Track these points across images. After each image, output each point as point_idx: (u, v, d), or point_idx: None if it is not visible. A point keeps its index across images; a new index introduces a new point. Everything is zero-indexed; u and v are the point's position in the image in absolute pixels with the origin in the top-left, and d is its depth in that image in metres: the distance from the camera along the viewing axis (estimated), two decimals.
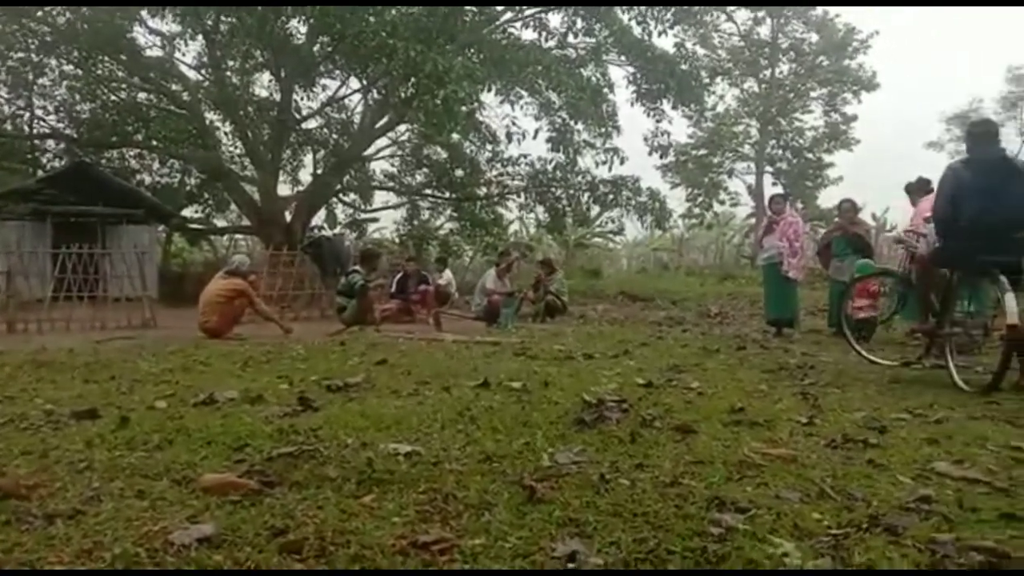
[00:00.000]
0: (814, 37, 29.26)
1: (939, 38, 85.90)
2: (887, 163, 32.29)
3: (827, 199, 28.82)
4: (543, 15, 18.95)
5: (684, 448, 3.35)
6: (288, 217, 19.89)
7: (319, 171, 21.00)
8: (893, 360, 6.21)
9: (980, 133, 5.33)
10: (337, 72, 19.63)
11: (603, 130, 19.57)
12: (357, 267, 10.97)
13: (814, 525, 2.37)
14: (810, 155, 30.08)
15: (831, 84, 29.36)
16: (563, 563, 2.05)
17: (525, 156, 20.68)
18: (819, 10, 28.67)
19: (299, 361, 6.30)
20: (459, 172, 21.80)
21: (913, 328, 6.26)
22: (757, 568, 2.04)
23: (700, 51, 26.79)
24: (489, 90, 17.27)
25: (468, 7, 16.77)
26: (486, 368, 5.71)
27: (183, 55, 20.05)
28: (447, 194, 22.59)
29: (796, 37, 29.67)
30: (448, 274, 14.54)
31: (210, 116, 20.20)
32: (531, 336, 8.64)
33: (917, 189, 7.87)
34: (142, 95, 20.58)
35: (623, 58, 19.42)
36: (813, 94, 30.21)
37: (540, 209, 22.23)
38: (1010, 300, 4.74)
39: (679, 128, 26.29)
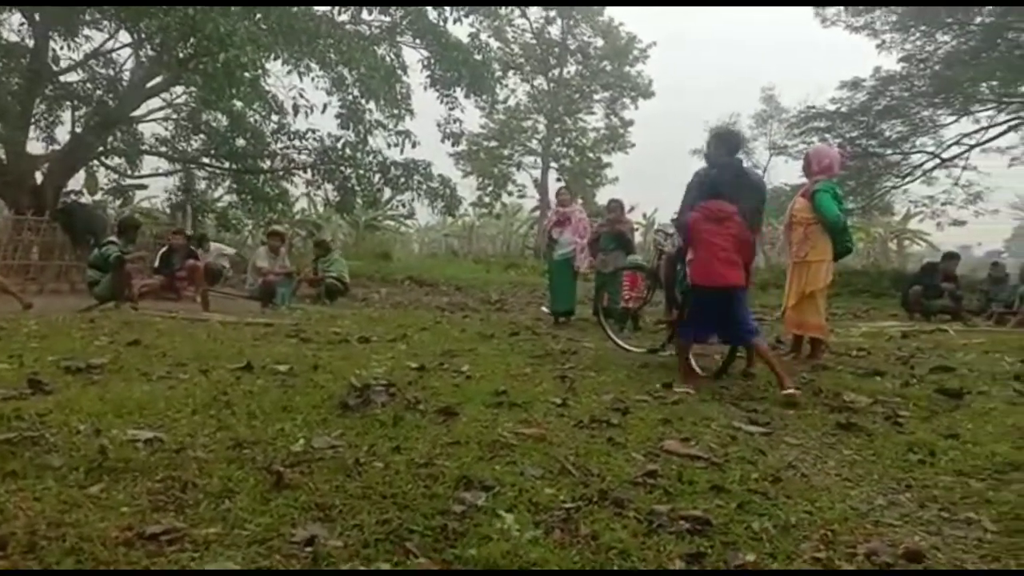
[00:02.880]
0: (600, 42, 31.04)
1: (706, 55, 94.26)
2: (658, 166, 35.03)
3: (605, 197, 30.75)
4: None
5: (444, 430, 3.43)
6: (39, 179, 17.73)
7: (79, 130, 18.86)
8: (643, 348, 6.75)
9: (725, 141, 5.91)
10: (105, 23, 17.74)
11: (396, 112, 19.35)
12: (113, 238, 10.03)
13: (549, 500, 2.54)
14: (591, 154, 31.93)
15: (613, 88, 31.32)
16: (301, 548, 2.03)
17: (314, 131, 19.91)
18: (606, 16, 30.47)
19: (35, 339, 5.66)
20: (241, 142, 20.55)
21: (660, 319, 6.85)
22: (493, 543, 2.15)
23: (494, 43, 27.40)
24: (276, 58, 16.49)
25: None
26: (252, 351, 5.48)
27: None
28: (226, 164, 21.22)
29: (584, 40, 31.31)
30: (219, 247, 13.72)
31: None
32: (307, 318, 8.41)
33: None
34: None
35: (418, 41, 19.34)
36: (596, 97, 32.05)
37: (329, 187, 21.57)
38: None
39: (472, 118, 26.76)
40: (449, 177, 21.02)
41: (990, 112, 16.67)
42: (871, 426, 4.00)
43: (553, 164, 32.31)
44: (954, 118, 16.73)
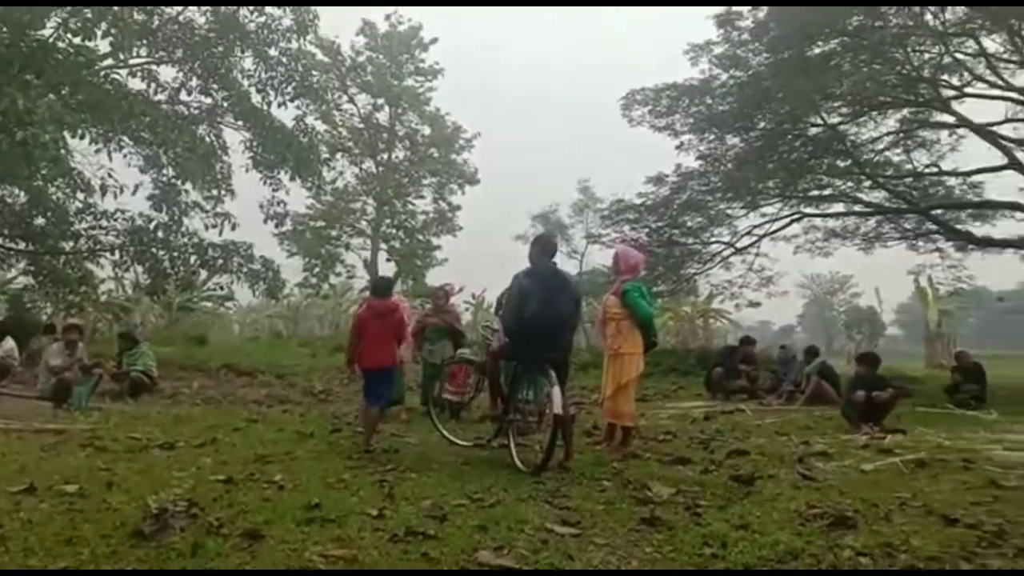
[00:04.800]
0: (427, 130, 31.88)
1: (530, 143, 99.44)
2: (485, 250, 35.97)
3: (434, 278, 31.05)
4: (153, 66, 17.72)
5: (248, 557, 3.28)
6: None
7: None
8: (468, 441, 6.81)
9: (542, 246, 6.25)
10: None
11: (215, 192, 18.70)
12: None
13: None
14: (421, 237, 32.31)
15: (440, 174, 32.12)
16: None
17: (124, 211, 18.74)
18: (432, 107, 31.45)
19: None
20: (40, 220, 18.94)
21: (485, 413, 6.97)
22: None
23: (321, 126, 27.38)
24: (83, 137, 15.51)
25: None
26: (38, 467, 4.99)
27: None
28: (22, 244, 19.39)
29: (411, 127, 32.02)
30: (8, 343, 12.42)
31: None
32: (107, 420, 7.77)
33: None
34: None
35: (240, 123, 18.94)
36: (425, 181, 32.66)
37: (139, 269, 20.24)
38: (556, 393, 5.58)
39: (298, 197, 26.30)
40: (272, 259, 20.36)
41: (776, 206, 18.63)
42: (673, 518, 4.25)
43: (383, 245, 32.34)
44: (745, 211, 18.57)
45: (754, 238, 19.07)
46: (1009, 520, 4.25)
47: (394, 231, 32.54)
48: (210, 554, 3.26)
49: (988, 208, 17.06)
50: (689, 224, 19.05)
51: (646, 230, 19.20)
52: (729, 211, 18.79)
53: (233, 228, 18.70)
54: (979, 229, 17.29)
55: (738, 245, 19.26)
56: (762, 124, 17.17)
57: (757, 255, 19.50)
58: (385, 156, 32.29)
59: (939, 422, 9.23)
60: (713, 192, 18.30)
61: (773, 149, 17.22)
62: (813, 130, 17.01)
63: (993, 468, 5.95)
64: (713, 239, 19.42)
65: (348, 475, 5.21)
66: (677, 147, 18.59)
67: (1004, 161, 15.41)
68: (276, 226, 22.03)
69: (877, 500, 4.73)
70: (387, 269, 31.66)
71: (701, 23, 17.48)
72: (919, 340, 38.14)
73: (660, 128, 18.62)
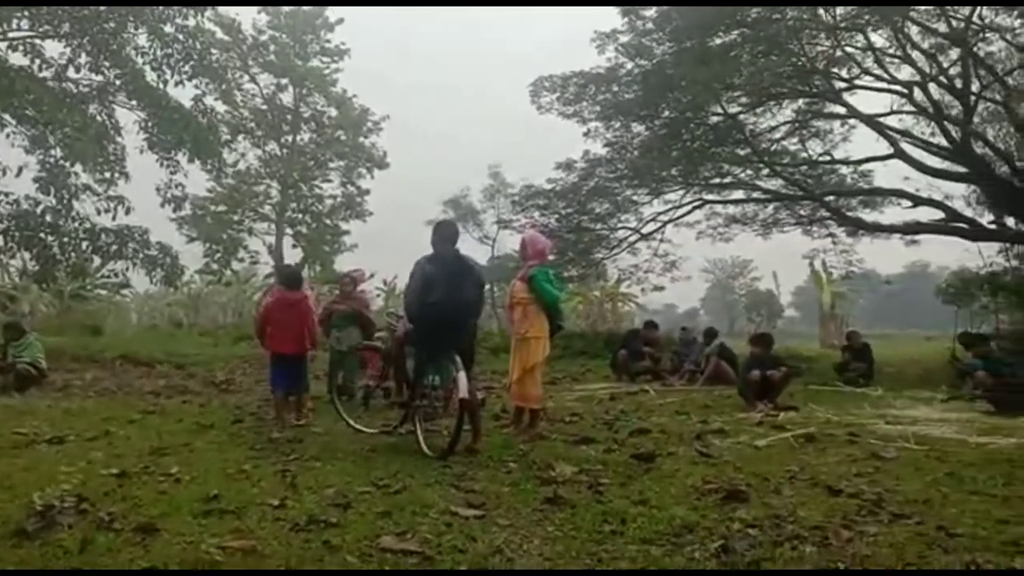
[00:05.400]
0: (333, 112, 31.06)
1: (442, 127, 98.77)
2: (396, 234, 35.64)
3: (343, 264, 30.46)
4: (37, 41, 16.65)
5: (141, 551, 3.17)
6: None
7: None
8: (375, 428, 6.76)
9: (442, 232, 6.23)
10: None
11: (108, 175, 17.76)
12: None
13: None
14: (328, 221, 31.56)
15: (348, 158, 31.41)
16: None
17: (7, 194, 17.61)
18: (339, 87, 30.66)
19: None
20: None
21: (393, 400, 6.93)
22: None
23: (222, 107, 26.38)
24: None
25: None
26: None
27: None
28: None
29: (317, 109, 31.10)
30: None
31: None
32: None
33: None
34: None
35: (134, 102, 18.04)
36: (332, 165, 31.82)
37: (27, 255, 19.05)
38: (462, 377, 5.60)
39: (198, 180, 25.25)
40: (170, 245, 19.52)
41: (679, 193, 19.18)
42: (575, 496, 4.35)
43: (288, 230, 31.47)
44: (650, 198, 19.05)
45: (659, 224, 19.60)
46: (887, 489, 4.54)
47: (300, 215, 31.67)
48: (100, 550, 3.14)
49: (876, 195, 18.06)
50: (597, 210, 19.39)
51: (555, 216, 19.43)
52: (635, 197, 19.22)
53: (128, 212, 17.86)
54: (868, 215, 18.31)
55: (644, 231, 19.75)
56: (666, 113, 17.59)
57: (662, 241, 20.06)
58: (290, 138, 31.37)
59: (829, 399, 9.77)
60: (620, 179, 18.67)
61: (676, 137, 17.69)
62: (714, 119, 17.54)
63: (875, 441, 6.33)
64: (620, 225, 19.84)
65: (249, 466, 5.09)
66: (585, 134, 18.86)
67: (891, 151, 16.32)
68: (174, 210, 21.11)
69: (768, 474, 4.97)
70: (293, 255, 30.90)
71: (609, 11, 17.72)
72: (814, 321, 40.08)
73: (568, 115, 18.83)
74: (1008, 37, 14.85)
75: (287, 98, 30.94)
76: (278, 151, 31.46)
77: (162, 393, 10.19)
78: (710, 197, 19.22)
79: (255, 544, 3.26)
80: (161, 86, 17.44)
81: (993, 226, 16.22)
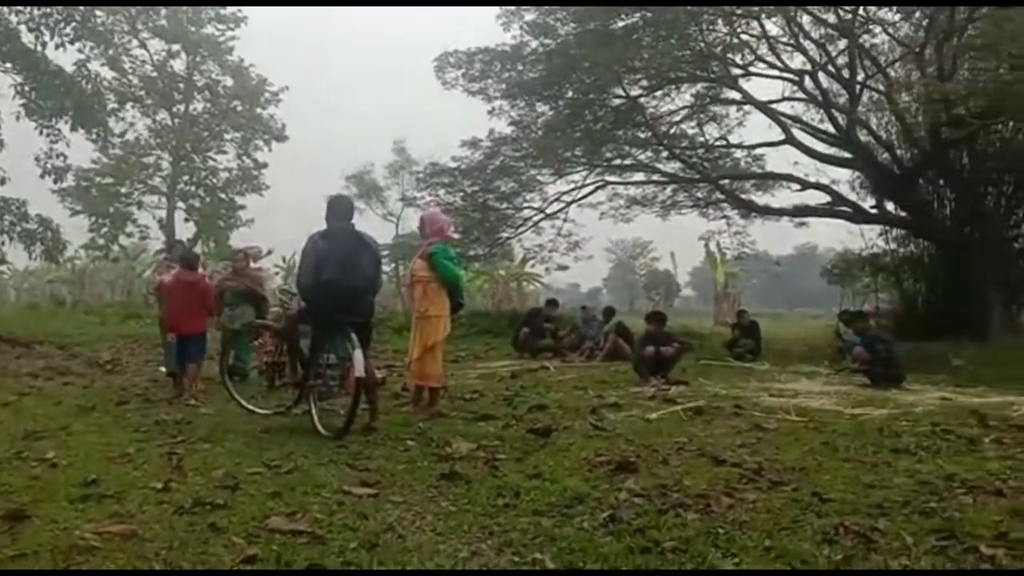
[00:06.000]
0: (229, 81, 29.73)
1: (342, 102, 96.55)
2: (295, 210, 34.72)
3: (240, 239, 29.39)
4: None
5: (9, 540, 3.00)
6: None
7: None
8: (269, 409, 6.58)
9: (336, 208, 6.09)
10: None
11: None
12: None
13: None
14: (223, 195, 30.29)
15: (244, 129, 30.17)
16: None
17: None
18: (235, 56, 29.39)
19: None
20: None
21: (286, 380, 6.77)
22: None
23: (108, 73, 24.95)
24: None
25: None
26: None
27: None
28: None
29: (212, 78, 29.67)
30: None
31: None
32: None
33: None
34: None
35: (9, 65, 16.83)
36: (227, 136, 30.48)
37: None
38: (358, 356, 5.52)
39: (82, 150, 23.79)
40: (51, 218, 18.49)
41: (582, 174, 19.46)
42: (471, 472, 4.38)
43: (181, 204, 30.09)
44: (553, 178, 19.26)
45: (563, 204, 19.85)
46: (767, 458, 4.77)
47: (193, 188, 30.27)
48: None
49: (768, 179, 18.87)
50: (502, 189, 19.45)
51: (461, 194, 19.38)
52: (539, 177, 19.39)
53: (2, 183, 16.83)
54: (760, 199, 19.11)
55: (548, 211, 19.97)
56: (569, 93, 17.77)
57: (566, 220, 20.35)
58: (182, 108, 29.91)
59: (718, 374, 10.20)
60: (524, 158, 18.77)
61: (579, 118, 17.90)
62: (616, 101, 17.84)
63: (759, 413, 6.64)
64: (525, 204, 19.99)
65: (133, 448, 4.89)
66: (490, 112, 18.82)
67: (782, 136, 17.03)
68: (55, 181, 19.93)
69: (658, 445, 5.14)
70: (186, 229, 29.60)
71: None
72: (710, 300, 41.70)
73: (474, 92, 18.75)
74: (891, 31, 15.74)
75: (179, 66, 29.52)
76: (170, 121, 29.99)
77: (41, 375, 9.62)
78: (612, 178, 19.59)
79: (135, 528, 3.14)
80: (40, 48, 16.34)
81: (874, 210, 17.21)
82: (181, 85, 29.60)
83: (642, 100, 17.83)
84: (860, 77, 15.87)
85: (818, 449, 5.08)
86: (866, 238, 18.34)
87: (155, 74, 29.05)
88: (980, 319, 14.66)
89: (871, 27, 15.52)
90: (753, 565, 2.90)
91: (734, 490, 4.01)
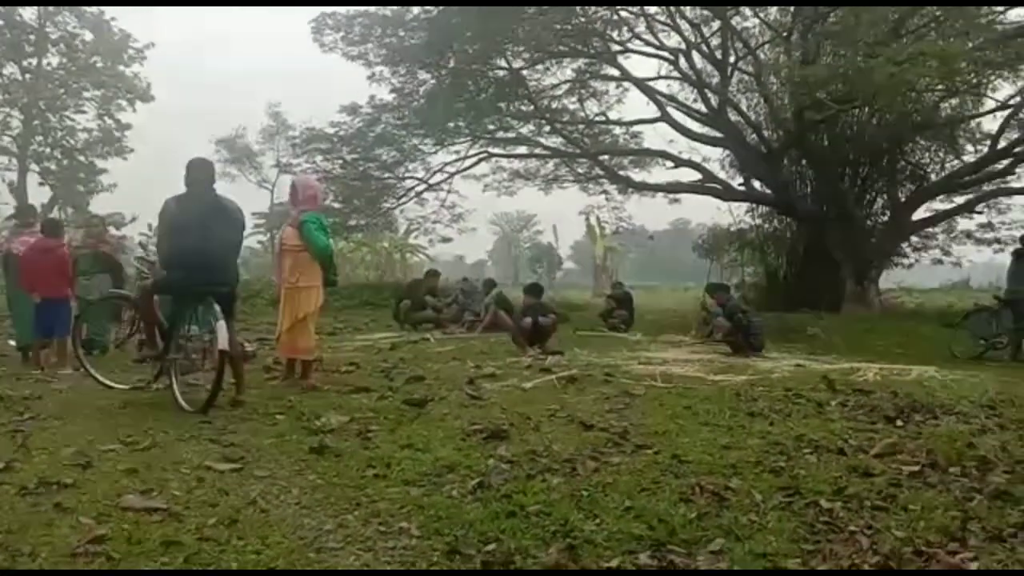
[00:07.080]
0: (88, 35, 27.58)
1: (213, 61, 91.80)
2: (162, 175, 32.82)
3: (101, 206, 27.55)
4: None
5: None
6: None
7: None
8: (128, 384, 6.24)
9: (195, 171, 5.71)
10: None
11: None
12: None
13: None
14: (82, 158, 28.22)
15: (106, 87, 28.13)
16: None
17: None
18: (95, 9, 27.24)
19: None
20: None
21: (145, 354, 6.39)
22: None
23: None
24: None
25: None
26: None
27: None
28: None
29: (68, 31, 27.44)
30: None
31: None
32: None
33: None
34: None
35: None
36: (87, 94, 28.36)
37: None
38: (221, 327, 5.28)
39: None
40: None
41: (465, 145, 19.37)
42: (342, 445, 4.30)
43: (34, 166, 27.82)
44: (436, 149, 19.08)
45: (446, 175, 19.76)
46: (633, 423, 4.95)
47: (48, 150, 28.08)
48: None
49: (645, 156, 19.42)
50: (384, 158, 19.13)
51: (340, 161, 18.90)
52: (422, 147, 19.18)
53: None
54: (637, 175, 19.70)
55: (431, 181, 19.81)
56: (452, 62, 17.59)
57: (449, 192, 20.27)
58: (34, 61, 27.54)
59: (593, 344, 10.47)
60: (406, 126, 18.51)
61: (462, 88, 17.78)
62: (499, 72, 17.81)
63: (628, 380, 6.87)
64: (407, 175, 19.74)
65: None
66: (370, 78, 18.39)
67: (658, 114, 17.54)
68: None
69: (531, 413, 5.23)
70: (40, 193, 27.44)
71: None
72: (591, 273, 42.67)
73: (353, 56, 18.24)
74: (761, 15, 16.43)
75: (29, 15, 27.04)
76: (19, 75, 27.54)
77: None
78: (495, 151, 19.63)
79: None
80: None
81: (742, 188, 18.08)
82: (32, 37, 27.20)
83: (524, 73, 17.91)
84: (732, 59, 16.53)
85: (680, 413, 5.30)
86: (734, 214, 19.27)
87: (1, 23, 26.56)
88: (835, 291, 15.75)
89: (742, 9, 16.13)
90: (613, 525, 3.00)
91: (600, 454, 4.13)
